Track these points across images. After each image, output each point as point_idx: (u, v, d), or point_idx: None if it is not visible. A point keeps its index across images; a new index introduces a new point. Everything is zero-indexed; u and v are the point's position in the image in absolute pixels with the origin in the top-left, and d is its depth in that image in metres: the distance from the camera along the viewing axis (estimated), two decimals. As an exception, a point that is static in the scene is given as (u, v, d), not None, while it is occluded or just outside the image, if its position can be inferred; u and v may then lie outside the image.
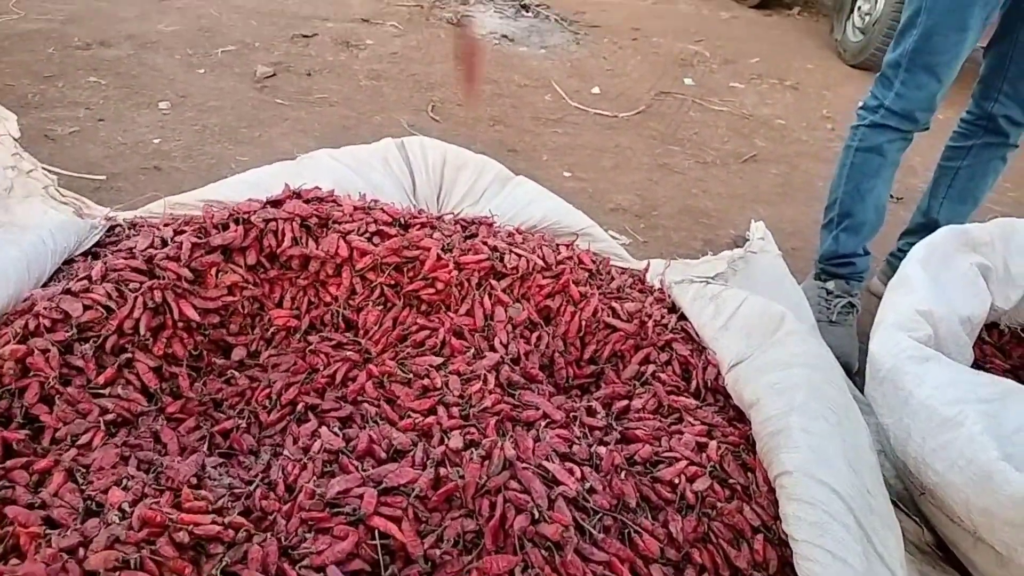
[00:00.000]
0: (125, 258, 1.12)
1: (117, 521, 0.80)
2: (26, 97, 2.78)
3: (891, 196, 2.94)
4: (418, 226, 1.27)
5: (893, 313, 1.23)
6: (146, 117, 2.87)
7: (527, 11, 4.49)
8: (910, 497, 1.19)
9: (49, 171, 1.84)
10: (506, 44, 4.08)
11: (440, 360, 1.16)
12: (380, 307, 1.21)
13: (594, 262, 1.33)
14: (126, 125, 2.78)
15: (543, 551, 0.83)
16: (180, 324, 1.10)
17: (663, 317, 1.25)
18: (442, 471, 0.88)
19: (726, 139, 3.35)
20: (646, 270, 1.46)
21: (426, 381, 1.09)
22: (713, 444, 1.02)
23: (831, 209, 1.96)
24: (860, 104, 2.05)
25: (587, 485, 0.91)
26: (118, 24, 3.45)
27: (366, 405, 1.04)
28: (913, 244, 1.53)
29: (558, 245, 1.33)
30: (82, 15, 3.56)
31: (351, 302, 1.21)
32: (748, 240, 1.97)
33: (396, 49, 3.61)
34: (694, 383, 1.16)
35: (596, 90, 3.66)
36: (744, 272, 1.64)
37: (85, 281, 1.09)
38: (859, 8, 4.31)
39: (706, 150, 3.24)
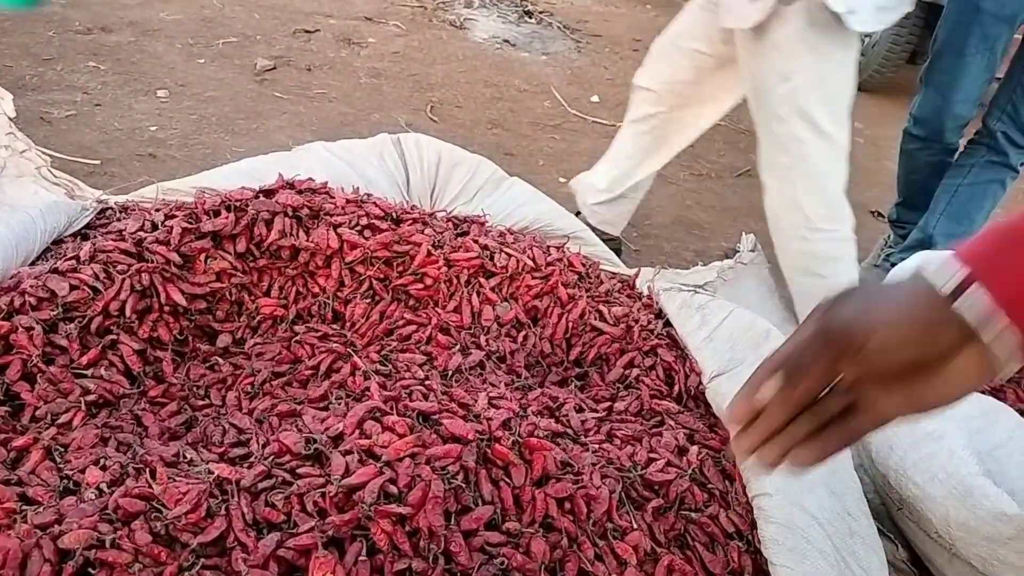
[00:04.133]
0: (114, 240, 1.12)
1: (93, 499, 0.80)
2: (24, 79, 2.77)
3: (879, 214, 2.97)
4: (410, 221, 1.27)
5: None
6: (144, 104, 2.86)
7: (530, 17, 4.51)
8: (886, 513, 1.19)
9: (43, 153, 1.84)
10: (507, 49, 4.10)
11: (423, 359, 1.16)
12: (368, 300, 1.21)
13: (584, 265, 1.33)
14: (123, 111, 2.78)
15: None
16: (167, 308, 1.10)
17: (649, 323, 1.26)
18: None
19: (722, 152, 3.37)
20: (636, 276, 1.46)
21: (407, 378, 1.09)
22: (694, 449, 1.02)
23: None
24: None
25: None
26: (120, 10, 3.44)
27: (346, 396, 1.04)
28: (903, 259, 1.56)
29: (549, 247, 1.33)
30: (84, -1, 3.55)
31: (339, 294, 1.21)
32: (739, 252, 1.98)
33: (398, 48, 3.61)
34: (676, 388, 1.16)
35: (595, 98, 3.67)
36: (733, 283, 1.65)
37: (73, 261, 1.09)
38: (859, 30, 4.33)
39: (701, 162, 3.26)
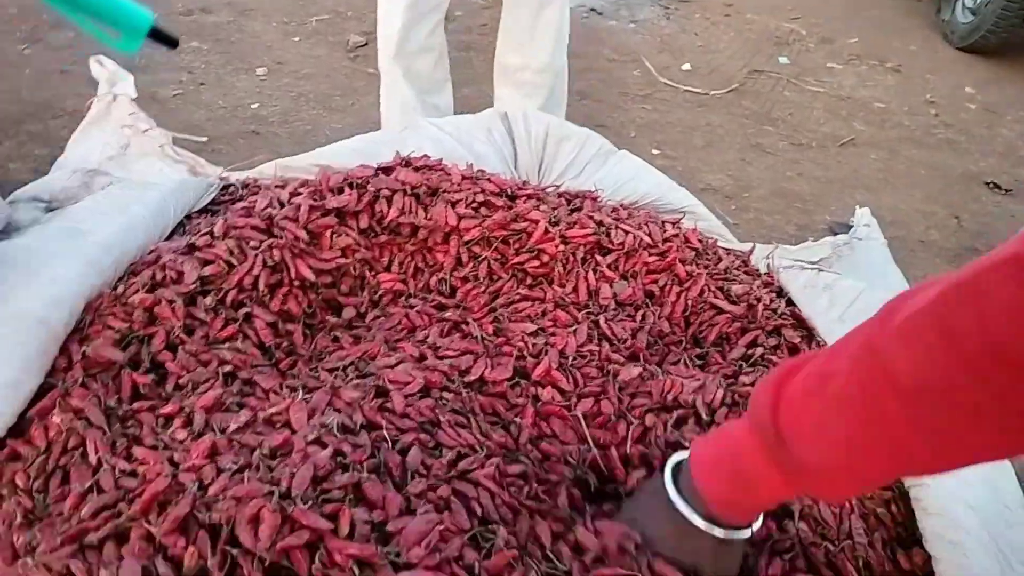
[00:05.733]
0: (245, 216, 1.15)
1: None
2: (134, 60, 2.89)
3: (996, 185, 2.79)
4: (524, 198, 1.27)
5: None
6: (244, 82, 2.94)
7: (617, -16, 4.39)
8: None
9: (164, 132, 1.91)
10: (594, 18, 4.02)
11: (534, 328, 1.15)
12: (486, 280, 1.22)
13: (701, 241, 1.30)
14: (226, 89, 2.86)
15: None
16: (296, 283, 1.13)
17: (772, 301, 1.22)
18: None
19: (822, 121, 3.23)
20: (751, 252, 1.42)
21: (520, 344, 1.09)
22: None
23: None
24: None
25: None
26: (218, -9, 3.52)
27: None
28: None
29: (664, 222, 1.30)
30: (184, -19, 3.66)
31: (456, 272, 1.22)
32: (851, 226, 1.90)
33: (485, 21, 3.59)
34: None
35: (687, 66, 3.57)
36: (848, 259, 1.58)
37: (207, 237, 1.13)
38: (971, -13, 4.06)
39: (801, 132, 3.13)
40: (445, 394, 0.98)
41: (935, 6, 4.42)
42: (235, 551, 0.78)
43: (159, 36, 0.93)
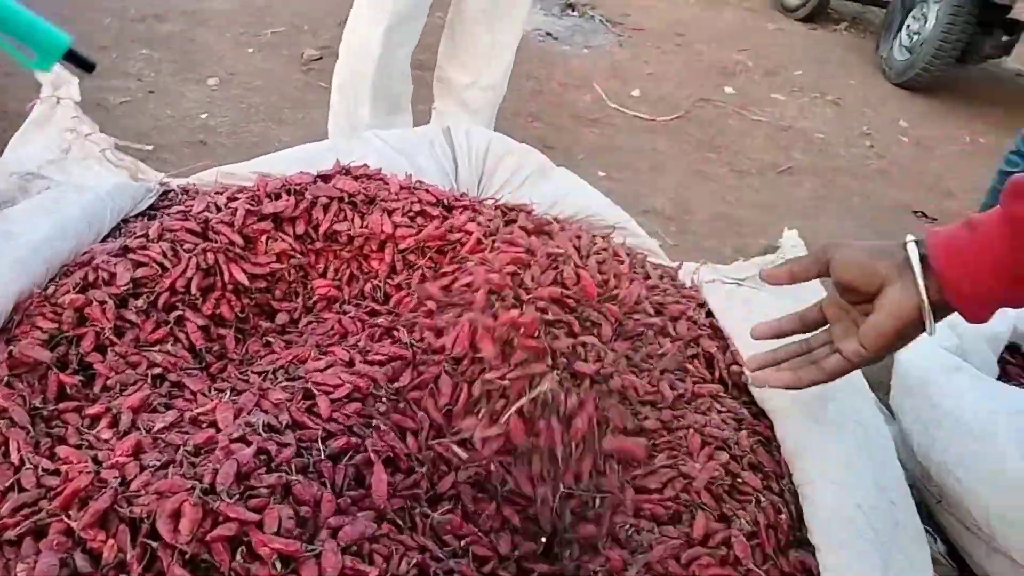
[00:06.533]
0: (180, 220, 1.17)
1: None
2: (81, 65, 2.86)
3: (924, 215, 2.94)
4: (460, 209, 1.30)
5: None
6: (195, 92, 2.93)
7: (573, 10, 4.51)
8: (923, 506, 1.21)
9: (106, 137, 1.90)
10: (549, 42, 4.10)
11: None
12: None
13: (629, 255, 1.35)
14: (175, 99, 2.85)
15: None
16: (229, 287, 1.15)
17: (693, 312, 1.27)
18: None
19: (764, 149, 3.36)
20: (678, 268, 1.48)
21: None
22: (744, 433, 1.05)
23: None
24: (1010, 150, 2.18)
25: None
26: (174, -1, 3.51)
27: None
28: None
29: (594, 236, 1.35)
30: (140, -13, 3.64)
31: (390, 280, 1.25)
32: (779, 247, 1.98)
33: (438, 38, 3.65)
34: (717, 374, 1.19)
35: (636, 92, 3.67)
36: (775, 279, 1.65)
37: (142, 239, 1.14)
38: (907, 27, 4.28)
39: (742, 159, 3.24)
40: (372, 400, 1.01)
41: (875, 43, 4.63)
42: (155, 544, 0.79)
43: (76, 59, 0.94)
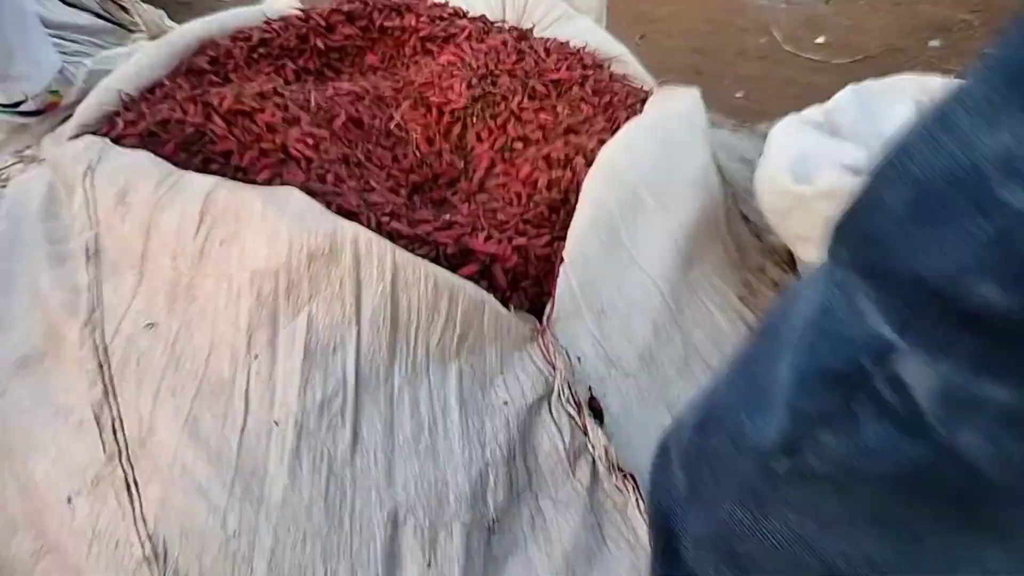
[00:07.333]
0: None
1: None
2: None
3: None
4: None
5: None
6: None
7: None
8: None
9: None
10: (752, -7, 4.24)
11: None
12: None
13: (594, 60, 1.78)
14: None
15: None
16: (318, 47, 1.86)
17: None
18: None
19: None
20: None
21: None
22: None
23: None
24: None
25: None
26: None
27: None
28: None
29: (566, 43, 1.81)
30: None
31: (414, 59, 1.86)
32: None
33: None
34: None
35: (820, 40, 3.73)
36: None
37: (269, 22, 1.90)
38: None
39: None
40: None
41: None
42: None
43: None
